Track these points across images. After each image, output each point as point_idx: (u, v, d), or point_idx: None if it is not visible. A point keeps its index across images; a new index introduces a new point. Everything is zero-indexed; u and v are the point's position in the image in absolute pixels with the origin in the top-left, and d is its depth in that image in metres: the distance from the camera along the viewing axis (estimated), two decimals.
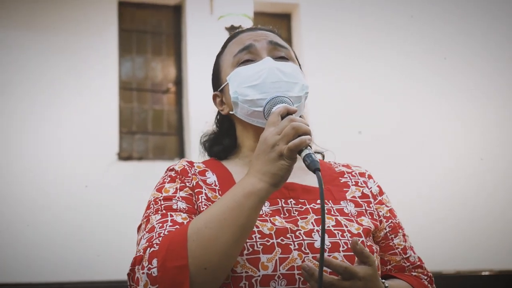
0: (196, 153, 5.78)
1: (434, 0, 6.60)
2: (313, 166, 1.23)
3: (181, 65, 6.18)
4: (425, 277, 1.51)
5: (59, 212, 5.25)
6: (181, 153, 6.00)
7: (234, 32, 1.61)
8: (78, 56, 5.68)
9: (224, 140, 1.59)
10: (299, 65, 1.57)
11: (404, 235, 1.53)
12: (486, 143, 6.36)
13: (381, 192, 1.56)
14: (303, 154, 1.25)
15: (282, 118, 1.30)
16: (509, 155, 6.40)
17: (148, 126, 6.10)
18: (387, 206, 1.54)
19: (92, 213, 5.31)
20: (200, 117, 5.95)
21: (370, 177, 1.58)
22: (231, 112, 1.52)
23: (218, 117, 1.62)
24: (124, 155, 5.75)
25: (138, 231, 1.40)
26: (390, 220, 1.52)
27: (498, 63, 6.57)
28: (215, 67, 1.59)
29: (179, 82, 6.16)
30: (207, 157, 1.61)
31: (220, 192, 1.43)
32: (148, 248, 1.26)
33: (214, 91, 1.58)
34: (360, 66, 6.31)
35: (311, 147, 1.28)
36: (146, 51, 6.25)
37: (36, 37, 5.61)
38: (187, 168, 1.47)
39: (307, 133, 1.26)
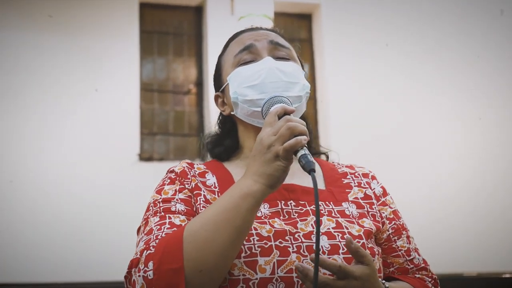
0: None
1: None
2: (308, 167, 1.22)
3: (202, 66, 6.19)
4: (429, 279, 1.49)
5: (80, 213, 5.28)
6: (202, 154, 5.99)
7: (234, 33, 1.60)
8: (99, 58, 5.71)
9: (226, 141, 1.58)
10: (302, 65, 1.55)
11: (408, 237, 1.51)
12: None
13: (385, 193, 1.54)
14: (299, 154, 1.23)
15: (279, 118, 1.28)
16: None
17: (169, 127, 6.11)
18: (391, 208, 1.52)
19: (112, 214, 5.32)
20: None
21: (373, 178, 1.56)
22: (232, 113, 1.51)
23: (220, 118, 1.61)
24: (145, 156, 5.76)
25: (137, 233, 1.40)
26: (393, 222, 1.50)
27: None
28: (216, 68, 1.59)
29: (200, 83, 6.17)
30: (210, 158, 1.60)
31: (219, 194, 1.42)
32: (145, 251, 1.25)
33: (216, 92, 1.58)
34: (380, 66, 6.28)
35: (307, 148, 1.25)
36: (167, 52, 6.26)
37: (57, 39, 5.65)
38: (187, 170, 1.46)
39: (303, 133, 1.24)
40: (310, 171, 1.21)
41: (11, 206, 5.23)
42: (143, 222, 1.39)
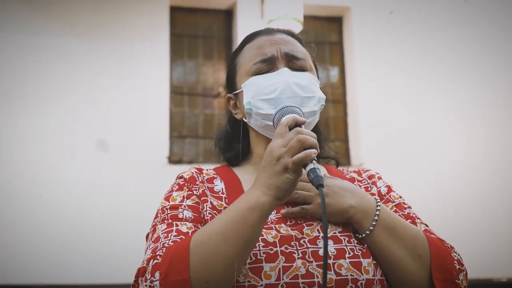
0: None
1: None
2: (316, 182, 1.21)
3: None
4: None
5: (110, 215, 5.32)
6: None
7: (251, 33, 1.58)
8: (130, 61, 5.76)
9: (236, 144, 1.57)
10: (316, 69, 1.54)
11: (414, 223, 1.46)
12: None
13: (389, 191, 1.53)
14: (308, 168, 1.22)
15: (290, 129, 1.28)
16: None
17: (198, 130, 6.14)
18: (393, 202, 1.50)
19: (141, 217, 5.35)
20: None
21: (379, 178, 1.55)
22: (244, 120, 1.50)
23: (231, 117, 1.60)
24: (175, 159, 5.80)
25: (146, 240, 1.40)
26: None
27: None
28: (230, 68, 1.58)
29: None
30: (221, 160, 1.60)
31: (226, 200, 1.41)
32: (151, 260, 1.25)
33: (228, 93, 1.57)
34: (412, 68, 6.24)
35: (316, 161, 1.24)
36: (197, 55, 6.29)
37: (88, 43, 5.72)
38: (195, 176, 1.46)
39: (313, 146, 1.23)
40: (319, 186, 1.20)
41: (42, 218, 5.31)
42: (151, 229, 1.39)
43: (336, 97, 6.38)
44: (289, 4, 5.36)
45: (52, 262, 5.15)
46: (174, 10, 6.14)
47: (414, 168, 5.90)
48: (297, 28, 5.33)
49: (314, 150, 1.23)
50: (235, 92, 1.53)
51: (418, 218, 1.48)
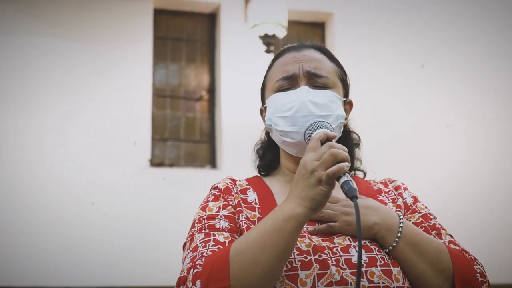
0: (227, 161, 5.85)
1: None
2: (350, 194, 1.26)
3: (215, 73, 6.21)
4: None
5: (90, 218, 5.30)
6: (212, 161, 6.02)
7: (282, 48, 1.63)
8: (113, 63, 5.75)
9: (268, 155, 1.65)
10: (345, 85, 1.58)
11: (439, 234, 1.51)
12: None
13: (415, 201, 1.57)
14: (341, 181, 1.28)
15: (322, 143, 1.33)
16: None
17: (180, 133, 6.14)
18: (420, 213, 1.54)
19: (123, 218, 5.35)
20: (232, 125, 6.01)
21: (405, 189, 1.60)
22: (270, 133, 1.57)
23: (264, 128, 1.66)
24: (156, 162, 5.79)
25: (183, 249, 1.44)
26: (420, 226, 1.51)
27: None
28: (263, 83, 1.63)
29: (212, 89, 6.19)
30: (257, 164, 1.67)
31: (259, 211, 1.46)
32: (192, 269, 1.30)
33: (262, 105, 1.62)
34: (394, 74, 6.29)
35: (349, 174, 1.30)
36: (180, 58, 6.29)
37: (71, 44, 5.70)
38: (230, 187, 1.51)
39: (346, 160, 1.29)
40: (353, 197, 1.26)
41: (32, 211, 5.27)
42: (189, 239, 1.43)
43: None
44: (273, 9, 5.39)
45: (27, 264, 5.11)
46: (158, 13, 6.13)
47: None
48: (281, 33, 5.36)
49: (347, 163, 1.28)
50: (265, 105, 1.58)
51: (443, 229, 1.54)
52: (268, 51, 5.33)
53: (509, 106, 6.51)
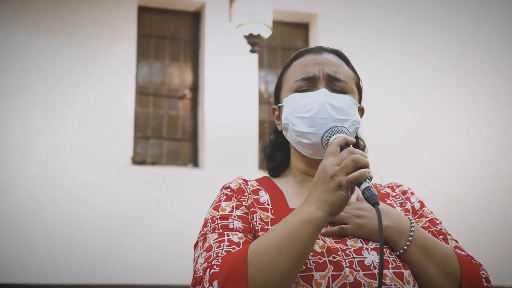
0: (209, 160, 5.83)
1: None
2: (372, 200, 1.28)
3: (198, 72, 6.20)
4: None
5: (71, 214, 5.27)
6: (194, 159, 6.01)
7: (301, 50, 1.63)
8: (97, 60, 5.72)
9: (278, 155, 1.64)
10: (360, 89, 1.59)
11: (445, 239, 1.54)
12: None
13: (422, 206, 1.60)
14: (363, 186, 1.29)
15: (341, 148, 1.34)
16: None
17: (163, 131, 6.12)
18: (427, 217, 1.57)
19: (104, 215, 5.33)
20: (215, 124, 6.02)
21: (412, 193, 1.63)
22: (284, 132, 1.57)
23: (275, 126, 1.65)
24: (138, 160, 5.77)
25: (194, 248, 1.44)
26: (427, 230, 1.53)
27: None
28: (278, 82, 1.63)
29: (195, 88, 6.18)
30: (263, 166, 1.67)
31: (272, 211, 1.47)
32: (208, 269, 1.30)
33: (274, 103, 1.62)
34: (378, 76, 6.31)
35: (369, 180, 1.31)
36: (164, 56, 6.28)
37: (55, 40, 5.66)
38: (243, 187, 1.51)
39: (366, 166, 1.31)
40: (375, 204, 1.28)
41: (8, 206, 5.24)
42: (201, 238, 1.42)
43: None
44: (258, 8, 5.39)
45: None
46: (142, 10, 6.11)
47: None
48: (266, 33, 5.36)
49: (368, 170, 1.30)
50: (279, 105, 1.58)
51: (449, 234, 1.57)
52: (252, 51, 5.33)
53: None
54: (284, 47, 6.52)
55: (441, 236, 1.53)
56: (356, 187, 1.31)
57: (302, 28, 6.66)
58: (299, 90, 1.52)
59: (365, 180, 1.29)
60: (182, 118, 6.19)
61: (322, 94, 1.49)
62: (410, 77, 6.39)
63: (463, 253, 1.50)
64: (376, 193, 1.29)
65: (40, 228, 5.18)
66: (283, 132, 1.55)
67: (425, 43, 6.50)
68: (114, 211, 5.35)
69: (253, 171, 5.19)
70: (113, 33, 5.81)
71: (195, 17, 6.32)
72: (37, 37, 5.60)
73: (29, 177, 5.30)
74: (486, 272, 1.47)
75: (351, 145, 1.36)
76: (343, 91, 1.52)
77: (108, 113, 5.63)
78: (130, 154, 5.68)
